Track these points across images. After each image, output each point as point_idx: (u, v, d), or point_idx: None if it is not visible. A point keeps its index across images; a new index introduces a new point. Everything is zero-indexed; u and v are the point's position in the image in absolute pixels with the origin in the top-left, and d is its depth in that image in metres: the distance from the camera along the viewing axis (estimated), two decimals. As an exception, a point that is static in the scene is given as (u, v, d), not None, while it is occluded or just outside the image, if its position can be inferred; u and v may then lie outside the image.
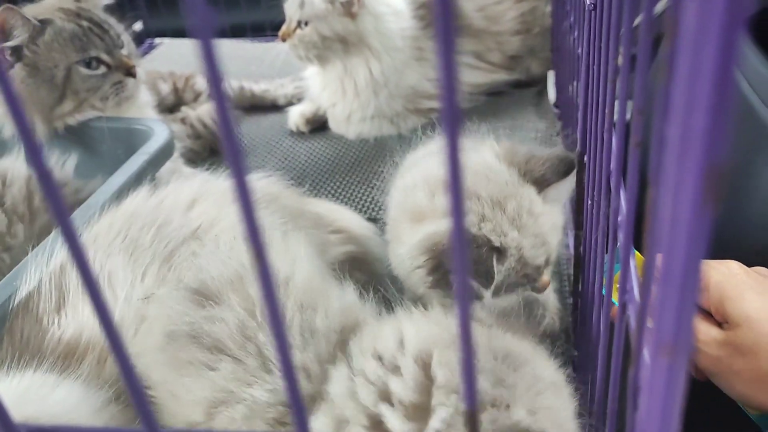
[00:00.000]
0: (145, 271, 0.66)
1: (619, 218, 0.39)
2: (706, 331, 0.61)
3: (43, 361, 0.59)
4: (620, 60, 0.38)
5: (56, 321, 0.63)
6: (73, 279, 0.65)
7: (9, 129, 0.98)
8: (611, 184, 0.43)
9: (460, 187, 0.19)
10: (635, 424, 0.23)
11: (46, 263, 0.67)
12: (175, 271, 0.68)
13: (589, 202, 0.58)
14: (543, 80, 1.44)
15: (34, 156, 0.21)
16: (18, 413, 0.48)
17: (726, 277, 0.61)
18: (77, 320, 0.63)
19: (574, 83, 0.89)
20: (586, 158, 0.64)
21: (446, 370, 0.45)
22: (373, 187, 1.19)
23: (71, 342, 0.61)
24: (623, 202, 0.39)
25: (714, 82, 0.16)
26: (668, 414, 0.21)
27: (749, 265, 0.64)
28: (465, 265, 0.19)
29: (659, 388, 0.20)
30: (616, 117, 0.45)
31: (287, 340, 0.23)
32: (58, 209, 0.22)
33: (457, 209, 0.19)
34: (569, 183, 0.69)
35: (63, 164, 0.96)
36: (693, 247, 0.17)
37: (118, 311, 0.63)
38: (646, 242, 0.22)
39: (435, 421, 0.42)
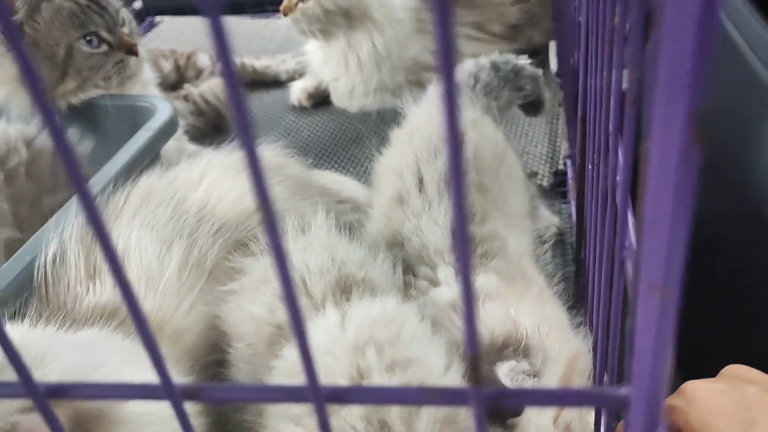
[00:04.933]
0: (171, 245, 0.68)
1: (618, 177, 0.40)
2: None
3: (82, 325, 0.61)
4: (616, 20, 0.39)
5: (90, 288, 0.64)
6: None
7: (16, 108, 0.99)
8: (610, 145, 0.44)
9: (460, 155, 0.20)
10: (632, 370, 0.25)
11: (65, 232, 0.69)
12: (199, 248, 0.70)
13: (590, 166, 0.59)
14: (545, 50, 1.44)
15: (52, 124, 0.22)
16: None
17: (686, 410, 0.47)
18: (114, 285, 0.65)
19: (576, 52, 0.89)
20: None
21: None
22: (376, 160, 1.20)
23: (108, 306, 0.63)
24: (621, 161, 0.40)
25: (696, 33, 0.17)
26: (660, 352, 0.22)
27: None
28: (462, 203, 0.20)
29: (651, 327, 0.21)
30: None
31: (299, 307, 0.24)
32: (76, 177, 0.23)
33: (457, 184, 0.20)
34: None
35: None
36: (681, 189, 0.18)
37: (161, 285, 0.66)
38: (639, 194, 0.23)
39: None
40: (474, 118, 0.82)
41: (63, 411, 0.47)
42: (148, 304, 0.66)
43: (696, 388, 0.48)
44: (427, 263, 0.68)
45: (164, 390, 0.27)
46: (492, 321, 0.59)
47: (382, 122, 1.32)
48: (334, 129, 1.33)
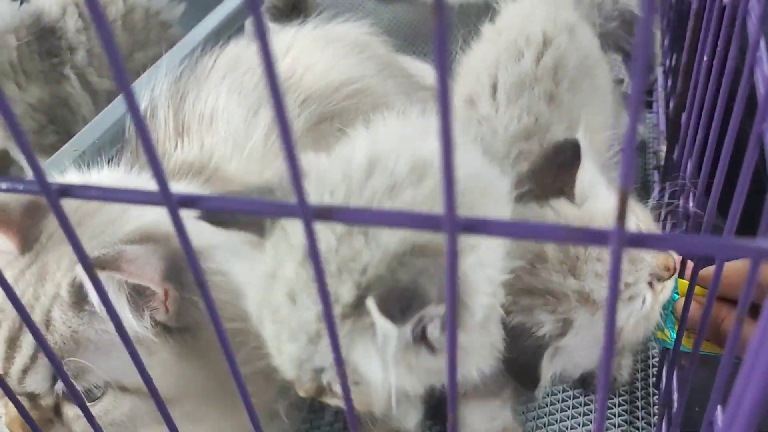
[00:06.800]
0: (257, 111, 0.69)
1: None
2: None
3: (170, 180, 0.62)
4: None
5: (178, 144, 0.66)
6: (190, 106, 0.68)
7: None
8: None
9: None
10: None
11: (156, 89, 0.70)
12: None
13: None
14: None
15: None
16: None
17: None
18: (201, 144, 0.66)
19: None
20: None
21: None
22: (455, 55, 1.17)
23: (195, 163, 0.64)
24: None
25: None
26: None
27: None
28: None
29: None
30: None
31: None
32: None
33: None
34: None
35: None
36: None
37: (247, 150, 0.67)
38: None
39: None
40: (571, 22, 0.75)
41: (160, 249, 0.49)
42: (233, 166, 0.67)
43: None
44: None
45: (163, 196, 0.28)
46: None
47: (464, 16, 1.28)
48: (414, 20, 1.29)
